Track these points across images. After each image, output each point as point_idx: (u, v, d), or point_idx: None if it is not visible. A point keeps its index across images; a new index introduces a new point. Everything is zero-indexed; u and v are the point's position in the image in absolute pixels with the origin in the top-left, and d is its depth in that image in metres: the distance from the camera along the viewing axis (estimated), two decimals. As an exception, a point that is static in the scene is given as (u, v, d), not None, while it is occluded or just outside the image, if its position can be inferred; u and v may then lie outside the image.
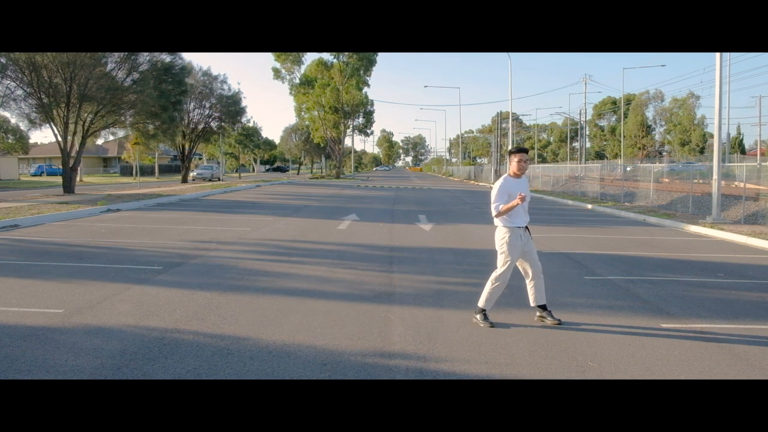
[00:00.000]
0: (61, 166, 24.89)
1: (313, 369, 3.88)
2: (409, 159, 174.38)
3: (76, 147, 24.04)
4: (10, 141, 39.81)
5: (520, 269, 5.12)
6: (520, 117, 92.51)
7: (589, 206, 19.47)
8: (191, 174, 43.12)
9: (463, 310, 5.41)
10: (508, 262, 4.91)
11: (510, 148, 5.32)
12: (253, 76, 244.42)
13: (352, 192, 28.53)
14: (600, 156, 72.35)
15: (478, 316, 4.99)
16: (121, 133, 33.15)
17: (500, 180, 5.04)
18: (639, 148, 60.42)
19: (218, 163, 57.47)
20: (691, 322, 5.19)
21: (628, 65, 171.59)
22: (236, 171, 63.10)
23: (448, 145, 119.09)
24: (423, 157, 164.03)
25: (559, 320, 5.00)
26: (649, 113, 62.36)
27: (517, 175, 4.99)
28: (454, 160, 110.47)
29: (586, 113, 68.17)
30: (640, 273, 7.49)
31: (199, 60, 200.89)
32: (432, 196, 25.56)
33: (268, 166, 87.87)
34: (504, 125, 76.40)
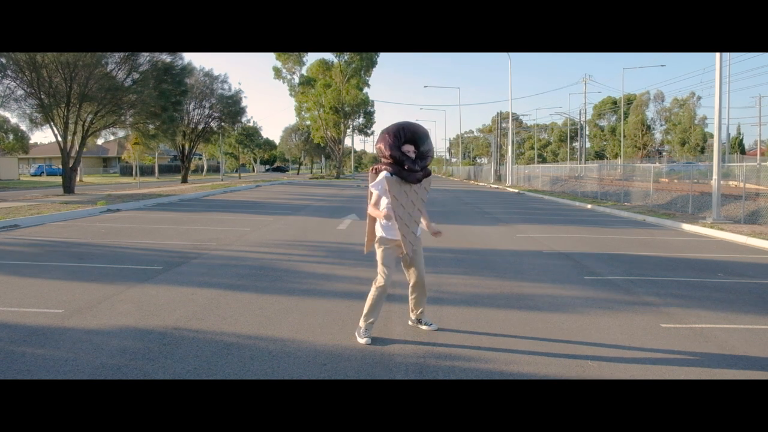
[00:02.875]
0: (61, 166, 24.88)
1: (313, 369, 3.88)
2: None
3: (76, 147, 24.04)
4: (10, 141, 39.81)
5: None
6: (520, 117, 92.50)
7: (589, 206, 19.47)
8: None
9: (463, 309, 5.40)
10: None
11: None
12: (253, 76, 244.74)
13: (352, 192, 28.53)
14: (600, 156, 72.34)
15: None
16: (121, 133, 33.14)
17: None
18: (639, 148, 60.42)
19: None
20: (691, 322, 5.19)
21: (628, 65, 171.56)
22: (236, 171, 63.09)
23: (448, 145, 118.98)
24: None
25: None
26: (650, 113, 62.37)
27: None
28: (453, 160, 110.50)
29: (586, 113, 68.24)
30: (640, 273, 7.49)
31: (200, 60, 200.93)
32: (432, 196, 25.56)
33: (268, 166, 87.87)
34: (504, 125, 76.37)
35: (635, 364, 4.08)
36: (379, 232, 4.51)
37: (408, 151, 4.35)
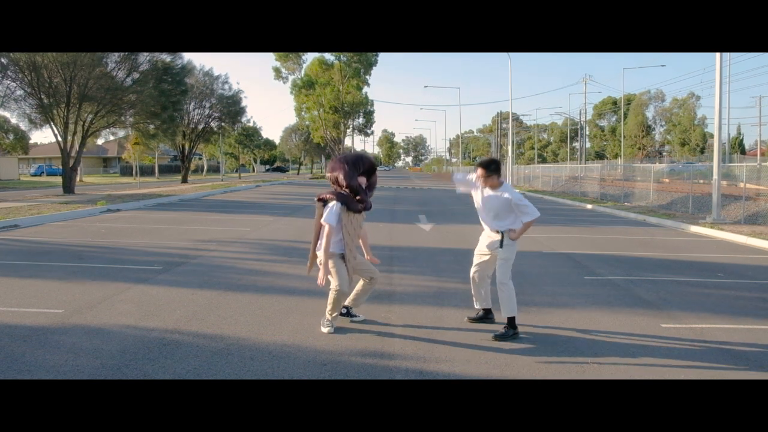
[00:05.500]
0: (61, 166, 24.89)
1: (313, 369, 3.88)
2: (409, 159, 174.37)
3: (76, 147, 24.06)
4: (10, 141, 39.83)
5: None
6: (521, 117, 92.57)
7: (590, 206, 19.47)
8: None
9: (462, 310, 5.40)
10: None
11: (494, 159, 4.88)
12: (253, 76, 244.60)
13: (352, 192, 28.49)
14: (600, 156, 72.35)
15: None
16: (121, 133, 33.19)
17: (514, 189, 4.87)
18: (639, 148, 60.43)
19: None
20: (691, 322, 5.19)
21: (628, 65, 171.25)
22: (236, 171, 63.10)
23: (448, 145, 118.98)
24: (423, 157, 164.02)
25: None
26: (650, 113, 62.37)
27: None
28: (454, 160, 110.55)
29: (586, 113, 68.15)
30: (640, 273, 7.49)
31: (200, 60, 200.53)
32: (432, 196, 25.55)
33: (268, 166, 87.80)
34: (504, 125, 76.39)
35: (635, 364, 4.08)
36: (330, 247, 4.63)
37: (362, 182, 4.68)
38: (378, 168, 5.13)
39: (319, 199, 4.72)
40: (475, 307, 5.10)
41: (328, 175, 4.85)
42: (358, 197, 4.65)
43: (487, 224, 4.85)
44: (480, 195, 4.85)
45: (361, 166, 4.71)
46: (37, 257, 8.11)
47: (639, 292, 6.33)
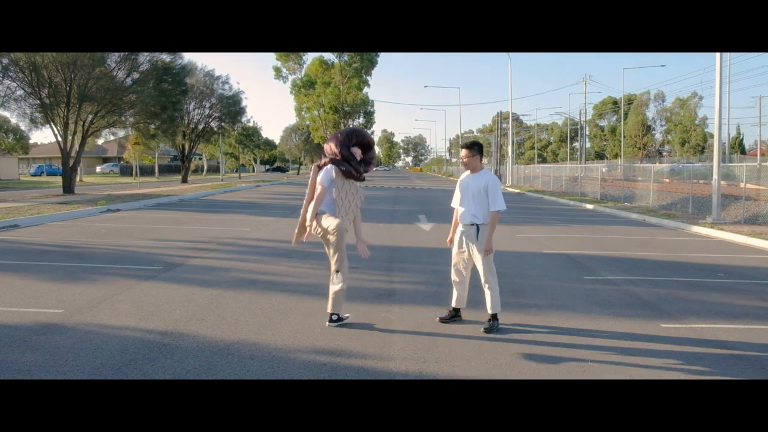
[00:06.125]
0: (61, 166, 24.89)
1: (313, 369, 3.88)
2: (409, 159, 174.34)
3: (76, 147, 24.05)
4: (10, 141, 39.83)
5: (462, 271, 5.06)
6: (521, 117, 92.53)
7: (590, 206, 19.47)
8: None
9: (463, 310, 5.39)
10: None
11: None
12: (253, 76, 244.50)
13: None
14: (600, 156, 72.38)
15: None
16: (121, 133, 33.19)
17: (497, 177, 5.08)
18: (639, 148, 60.41)
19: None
20: (691, 322, 5.19)
21: (628, 65, 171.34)
22: (236, 171, 63.09)
23: (448, 145, 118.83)
24: (423, 158, 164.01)
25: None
26: (650, 113, 62.36)
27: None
28: (453, 160, 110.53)
29: (586, 113, 68.14)
30: (640, 273, 7.49)
31: (200, 60, 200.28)
32: (432, 196, 25.55)
33: (268, 166, 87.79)
34: (504, 125, 76.40)
35: (635, 364, 4.08)
36: (324, 212, 4.77)
37: (355, 152, 4.89)
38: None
39: (317, 166, 4.94)
40: (452, 305, 5.10)
41: (324, 147, 5.08)
42: (352, 164, 4.85)
43: (462, 214, 4.95)
44: (460, 185, 5.06)
45: (354, 138, 4.94)
46: (37, 257, 8.11)
47: (639, 292, 6.33)
